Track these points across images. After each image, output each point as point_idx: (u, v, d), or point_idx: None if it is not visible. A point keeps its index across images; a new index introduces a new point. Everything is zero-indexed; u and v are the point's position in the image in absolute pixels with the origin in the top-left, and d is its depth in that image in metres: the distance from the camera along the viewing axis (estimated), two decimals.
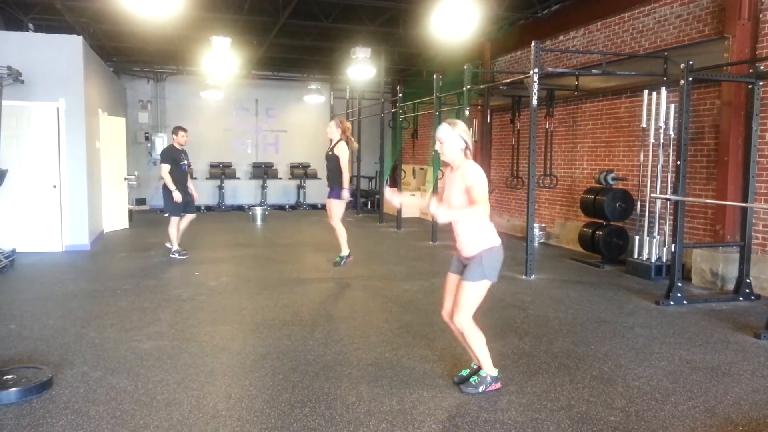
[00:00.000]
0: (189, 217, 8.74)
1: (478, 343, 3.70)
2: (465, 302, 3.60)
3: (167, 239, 8.75)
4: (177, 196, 8.33)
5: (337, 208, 7.17)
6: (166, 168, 8.38)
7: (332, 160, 7.10)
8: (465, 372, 3.91)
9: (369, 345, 4.68)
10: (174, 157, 8.47)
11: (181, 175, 8.51)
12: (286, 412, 3.45)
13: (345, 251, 7.26)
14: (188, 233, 9.07)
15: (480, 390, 3.74)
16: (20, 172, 8.77)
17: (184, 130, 8.67)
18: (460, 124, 3.69)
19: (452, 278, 3.81)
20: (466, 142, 3.64)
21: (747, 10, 6.78)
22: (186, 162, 8.66)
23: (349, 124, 7.24)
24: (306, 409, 3.49)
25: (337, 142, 7.08)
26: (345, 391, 3.75)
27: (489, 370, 3.76)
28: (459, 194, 3.59)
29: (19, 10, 10.81)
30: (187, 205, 8.63)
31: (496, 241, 3.65)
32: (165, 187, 8.44)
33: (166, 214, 8.62)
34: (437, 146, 3.71)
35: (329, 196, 7.31)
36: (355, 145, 7.17)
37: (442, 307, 3.85)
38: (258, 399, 3.63)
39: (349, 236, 7.42)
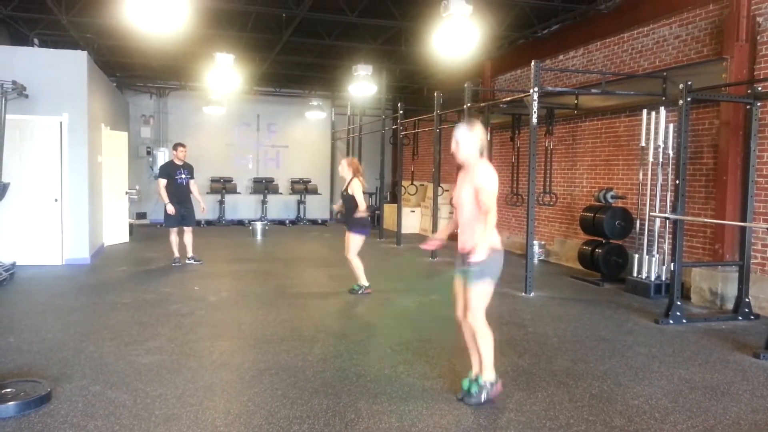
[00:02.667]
0: (187, 229, 9.22)
1: (487, 344, 3.78)
2: (474, 302, 3.72)
3: (186, 253, 9.32)
4: (170, 209, 8.91)
5: (355, 242, 7.13)
6: (162, 182, 9.01)
7: (349, 200, 7.14)
8: (465, 383, 3.92)
9: (368, 361, 4.68)
10: (170, 172, 9.02)
11: (177, 188, 9.03)
12: (284, 428, 3.44)
13: (364, 282, 7.21)
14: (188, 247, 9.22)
15: (483, 399, 3.79)
16: (22, 186, 8.81)
17: (183, 145, 9.26)
18: (478, 128, 3.79)
19: (458, 283, 3.91)
20: (480, 146, 3.75)
21: (745, 32, 6.86)
22: (184, 176, 9.08)
23: (357, 163, 7.36)
24: (305, 425, 3.48)
25: (350, 181, 7.14)
26: (344, 408, 3.74)
27: (488, 375, 3.81)
28: (469, 192, 3.72)
29: (24, 25, 10.94)
30: (184, 218, 9.14)
31: (496, 244, 3.72)
32: None
33: (164, 225, 9.33)
34: (453, 145, 3.80)
35: (349, 230, 7.24)
36: (364, 184, 7.28)
37: (455, 308, 3.95)
38: (257, 415, 3.63)
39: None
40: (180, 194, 9.02)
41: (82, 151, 9.13)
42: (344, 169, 7.27)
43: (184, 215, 9.08)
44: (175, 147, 9.21)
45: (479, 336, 3.78)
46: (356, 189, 7.11)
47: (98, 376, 4.25)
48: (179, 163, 9.08)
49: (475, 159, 3.77)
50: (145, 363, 4.55)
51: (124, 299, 6.77)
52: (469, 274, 3.70)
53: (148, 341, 5.13)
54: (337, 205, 7.72)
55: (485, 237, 3.60)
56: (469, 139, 3.74)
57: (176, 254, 9.14)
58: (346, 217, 7.33)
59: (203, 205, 9.34)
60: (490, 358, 3.81)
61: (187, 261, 9.19)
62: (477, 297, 3.73)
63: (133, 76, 15.55)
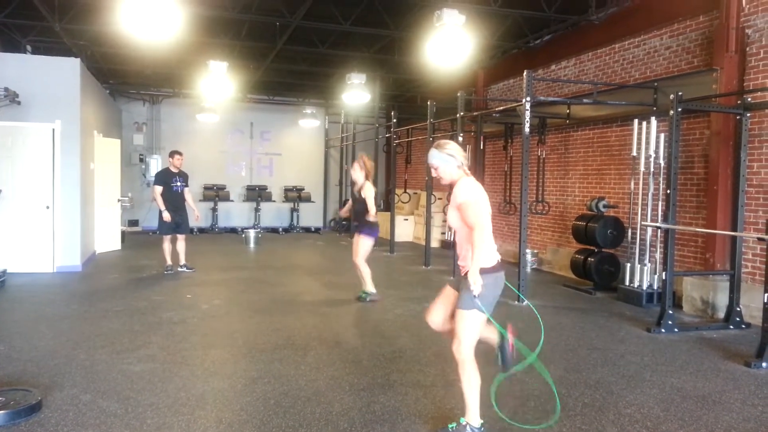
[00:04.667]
0: (181, 237, 9.20)
1: (469, 384, 3.33)
2: (460, 332, 3.32)
3: (177, 263, 9.29)
4: (166, 216, 8.87)
5: (363, 245, 7.09)
6: (158, 189, 8.93)
7: (360, 202, 7.11)
8: (452, 426, 3.44)
9: (361, 370, 4.67)
10: (165, 179, 8.99)
11: (172, 196, 8.99)
12: None
13: (370, 289, 7.20)
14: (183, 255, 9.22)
15: None
16: (14, 193, 8.79)
17: (180, 153, 9.24)
18: (448, 144, 3.53)
19: (448, 291, 3.59)
20: (458, 159, 3.47)
21: (734, 43, 6.95)
22: (179, 184, 9.07)
23: (370, 164, 7.21)
24: None
25: (363, 184, 7.08)
26: (337, 417, 3.73)
27: (472, 418, 3.36)
28: (454, 213, 3.47)
29: (17, 32, 10.91)
30: (179, 226, 9.10)
31: (491, 262, 3.37)
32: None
33: (158, 233, 9.26)
34: (433, 173, 3.60)
35: (358, 232, 7.21)
36: (372, 188, 7.23)
37: (428, 314, 3.64)
38: (249, 424, 3.61)
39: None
40: (175, 202, 9.00)
41: (75, 159, 9.10)
42: (356, 173, 7.14)
43: (178, 223, 9.05)
44: (172, 154, 9.16)
45: (462, 372, 3.32)
46: (368, 193, 7.03)
47: (89, 384, 4.22)
48: (175, 170, 9.06)
49: (458, 176, 3.49)
50: (137, 371, 4.52)
51: (115, 307, 6.73)
52: (460, 299, 3.34)
53: (139, 349, 5.10)
54: (344, 209, 7.67)
55: (475, 260, 3.23)
56: (443, 160, 3.47)
57: (169, 262, 9.11)
58: (356, 219, 7.29)
59: (197, 213, 9.33)
60: (474, 400, 3.35)
61: (179, 269, 9.16)
62: (463, 326, 3.30)
63: (126, 84, 15.52)
